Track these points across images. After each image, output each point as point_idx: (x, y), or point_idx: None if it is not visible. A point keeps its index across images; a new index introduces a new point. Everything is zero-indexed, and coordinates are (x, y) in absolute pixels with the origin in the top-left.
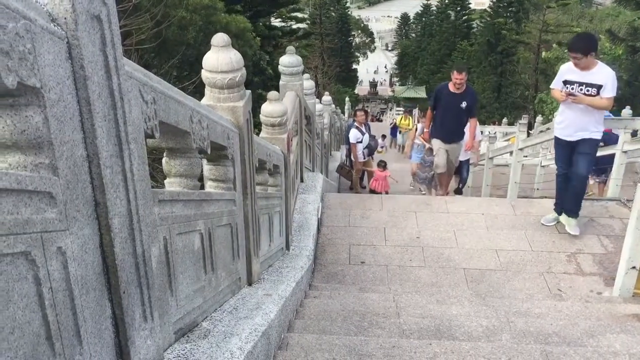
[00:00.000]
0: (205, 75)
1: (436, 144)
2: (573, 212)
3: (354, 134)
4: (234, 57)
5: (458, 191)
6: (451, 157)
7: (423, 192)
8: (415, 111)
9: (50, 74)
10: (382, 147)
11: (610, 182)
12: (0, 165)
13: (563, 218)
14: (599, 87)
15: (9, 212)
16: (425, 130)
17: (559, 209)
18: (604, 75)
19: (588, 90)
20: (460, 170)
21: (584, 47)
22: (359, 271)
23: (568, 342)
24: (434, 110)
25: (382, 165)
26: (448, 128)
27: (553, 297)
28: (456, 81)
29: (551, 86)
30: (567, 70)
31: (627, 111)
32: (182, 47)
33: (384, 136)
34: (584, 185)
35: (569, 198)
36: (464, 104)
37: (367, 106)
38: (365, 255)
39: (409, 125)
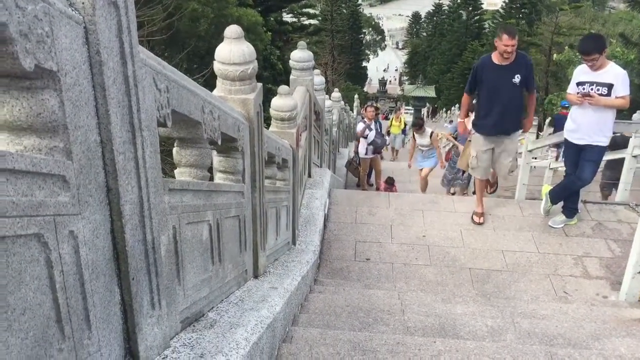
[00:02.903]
0: (217, 66)
1: (478, 142)
2: (568, 210)
3: (360, 126)
4: (246, 49)
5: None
6: (504, 157)
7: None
8: (424, 110)
9: (66, 58)
10: (387, 144)
11: (620, 187)
12: (15, 147)
13: (555, 207)
14: (609, 86)
15: (23, 194)
16: (459, 120)
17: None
18: (614, 74)
19: (599, 90)
20: None
21: (598, 46)
22: (364, 268)
23: (573, 344)
24: (472, 94)
25: (390, 182)
26: (499, 114)
27: (559, 299)
28: (507, 48)
29: (567, 91)
30: (579, 73)
31: (638, 115)
32: (193, 40)
33: (388, 132)
34: (582, 186)
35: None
36: (517, 78)
37: (376, 105)
38: (371, 252)
39: (400, 126)
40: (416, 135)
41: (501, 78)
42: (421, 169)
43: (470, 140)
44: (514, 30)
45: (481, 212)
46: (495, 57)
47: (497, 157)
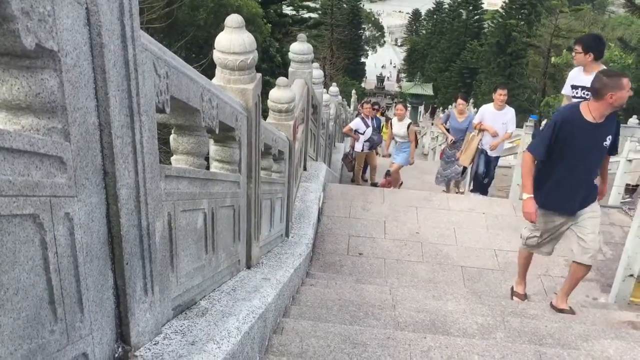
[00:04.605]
0: (217, 55)
1: (544, 217)
2: None
3: (355, 123)
4: (246, 39)
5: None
6: (584, 232)
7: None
8: (421, 108)
9: (67, 39)
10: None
11: (613, 190)
12: (13, 126)
13: None
14: None
15: (20, 174)
16: (528, 196)
17: None
18: None
19: (587, 95)
20: (488, 167)
21: (585, 43)
22: (357, 262)
23: (562, 344)
24: (544, 157)
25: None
26: (582, 185)
27: (549, 299)
28: (629, 94)
29: (562, 92)
30: (575, 75)
31: (634, 120)
32: (192, 29)
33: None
34: None
35: None
36: (608, 140)
37: (377, 101)
38: (364, 247)
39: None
40: (394, 123)
41: (594, 139)
42: (392, 164)
43: (474, 135)
44: (626, 76)
45: (523, 294)
46: (587, 111)
47: (571, 233)
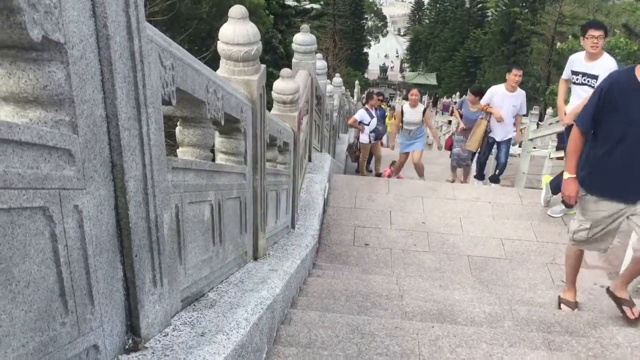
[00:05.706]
0: (221, 47)
1: (593, 205)
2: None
3: (360, 114)
4: (250, 30)
5: (494, 179)
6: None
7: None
8: (425, 97)
9: (74, 31)
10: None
11: None
12: (21, 119)
13: (554, 197)
14: (598, 79)
15: (29, 167)
16: (570, 176)
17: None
18: (602, 67)
19: (588, 82)
20: (498, 153)
21: (605, 27)
22: (363, 253)
23: (570, 332)
24: (590, 132)
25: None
26: (636, 167)
27: (556, 287)
28: None
29: (562, 77)
30: (575, 61)
31: None
32: (195, 22)
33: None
34: None
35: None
36: None
37: (381, 91)
38: (369, 238)
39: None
40: (406, 110)
41: None
42: (406, 153)
43: (483, 118)
44: None
45: (574, 301)
46: None
47: (632, 224)
